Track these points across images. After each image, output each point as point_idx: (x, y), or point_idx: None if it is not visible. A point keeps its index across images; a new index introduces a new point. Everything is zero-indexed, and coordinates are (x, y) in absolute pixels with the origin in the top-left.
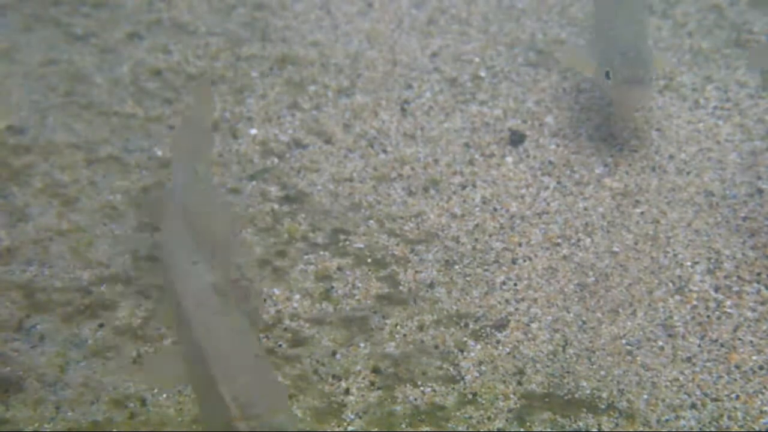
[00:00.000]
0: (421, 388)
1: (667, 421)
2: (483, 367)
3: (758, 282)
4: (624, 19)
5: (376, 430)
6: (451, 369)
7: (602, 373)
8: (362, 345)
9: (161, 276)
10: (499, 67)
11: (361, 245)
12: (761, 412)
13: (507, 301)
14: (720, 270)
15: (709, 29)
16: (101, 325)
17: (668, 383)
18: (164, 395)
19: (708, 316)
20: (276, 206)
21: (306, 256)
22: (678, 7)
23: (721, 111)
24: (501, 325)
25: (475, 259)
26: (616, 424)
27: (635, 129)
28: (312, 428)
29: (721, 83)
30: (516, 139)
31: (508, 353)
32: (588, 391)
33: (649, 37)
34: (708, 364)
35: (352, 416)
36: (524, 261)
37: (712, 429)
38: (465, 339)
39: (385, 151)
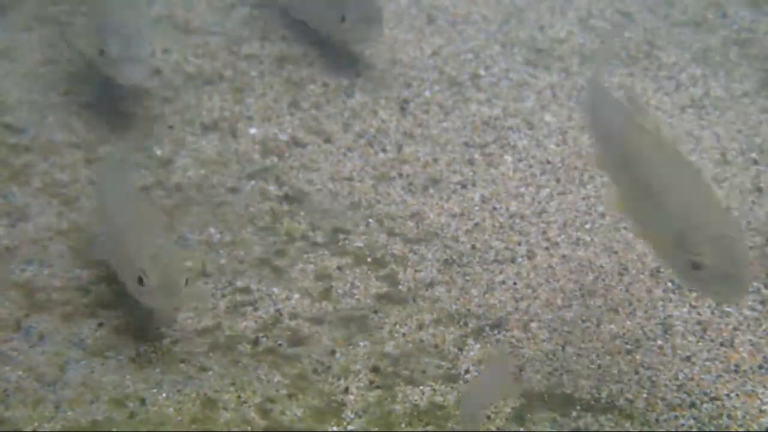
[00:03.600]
0: (421, 387)
1: (666, 420)
2: (482, 366)
3: (757, 281)
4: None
5: (375, 429)
6: (451, 368)
7: (601, 372)
8: (362, 344)
9: None
10: (498, 66)
11: (361, 244)
12: (760, 411)
13: (506, 300)
14: None
15: (708, 27)
16: (101, 325)
17: (667, 382)
18: (164, 394)
19: (708, 315)
20: (275, 205)
21: (305, 255)
22: (677, 5)
23: (720, 109)
24: (500, 324)
25: (475, 259)
26: (616, 423)
27: None
28: (312, 428)
29: (720, 81)
30: None
31: (508, 352)
32: (587, 390)
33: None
34: (707, 363)
35: (352, 415)
36: (523, 260)
37: (711, 428)
38: (464, 338)
39: (384, 151)
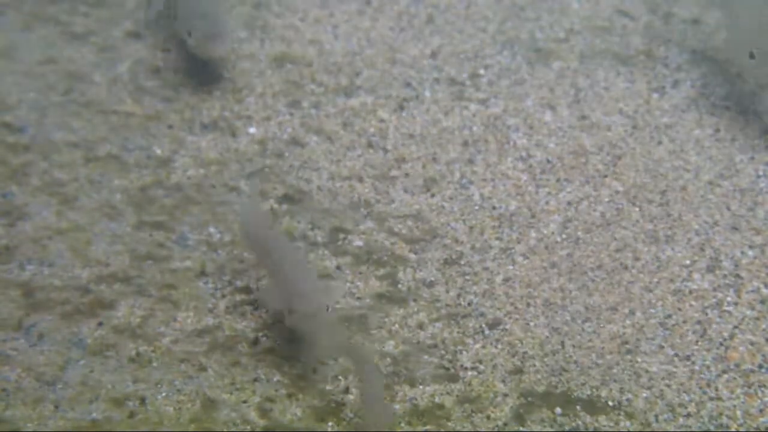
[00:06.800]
0: (420, 387)
1: (666, 419)
2: (482, 366)
3: (757, 280)
4: None
5: (375, 429)
6: (450, 367)
7: (601, 371)
8: (362, 343)
9: None
10: (498, 66)
11: (360, 244)
12: (760, 411)
13: (506, 299)
14: (719, 268)
15: (708, 27)
16: (100, 324)
17: (667, 382)
18: (163, 394)
19: (707, 315)
20: (275, 205)
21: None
22: (677, 5)
23: (720, 108)
24: (500, 324)
25: (474, 258)
26: (615, 423)
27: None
28: (311, 427)
29: (720, 81)
30: None
31: (507, 352)
32: (587, 390)
33: None
34: (707, 362)
35: (352, 415)
36: (523, 259)
37: (711, 428)
38: (464, 337)
39: (384, 150)
